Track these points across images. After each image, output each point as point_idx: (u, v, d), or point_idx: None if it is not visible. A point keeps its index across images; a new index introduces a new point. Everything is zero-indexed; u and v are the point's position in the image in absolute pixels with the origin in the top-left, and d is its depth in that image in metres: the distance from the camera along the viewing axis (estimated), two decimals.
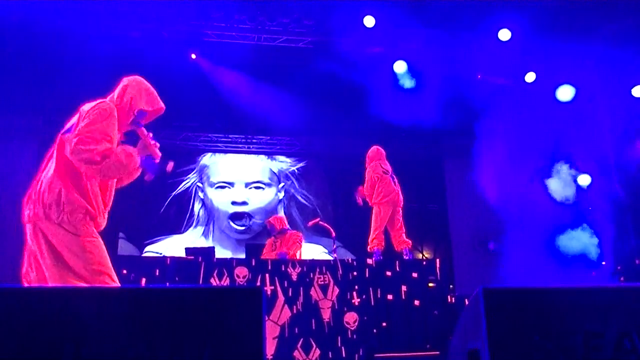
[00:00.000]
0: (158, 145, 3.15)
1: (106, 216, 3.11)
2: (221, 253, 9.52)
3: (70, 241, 2.85)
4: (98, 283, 2.83)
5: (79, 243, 2.85)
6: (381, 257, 6.56)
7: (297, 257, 6.58)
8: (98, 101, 3.00)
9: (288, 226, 7.23)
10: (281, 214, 10.56)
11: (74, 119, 3.03)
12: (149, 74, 8.70)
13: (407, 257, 6.71)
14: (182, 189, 10.71)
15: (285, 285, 5.48)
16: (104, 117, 2.89)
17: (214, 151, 11.00)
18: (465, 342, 1.79)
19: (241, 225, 10.62)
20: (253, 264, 5.57)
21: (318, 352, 5.29)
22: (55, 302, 1.58)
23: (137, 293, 1.74)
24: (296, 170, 11.21)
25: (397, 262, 5.98)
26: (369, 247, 6.74)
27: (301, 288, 5.49)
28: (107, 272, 2.88)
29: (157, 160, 3.13)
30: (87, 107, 3.00)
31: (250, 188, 10.94)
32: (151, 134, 3.14)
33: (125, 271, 5.36)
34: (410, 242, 6.90)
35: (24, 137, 9.42)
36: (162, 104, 3.21)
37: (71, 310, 1.57)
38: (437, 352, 5.35)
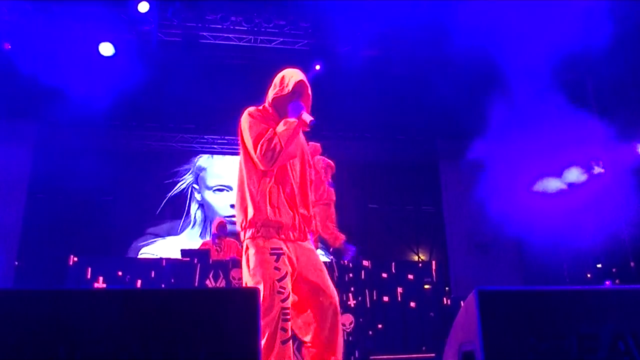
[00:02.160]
0: (312, 119, 2.97)
1: (288, 217, 2.90)
2: None
3: (242, 254, 2.93)
4: None
5: (245, 254, 2.88)
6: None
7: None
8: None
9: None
10: None
11: None
12: (146, 75, 8.72)
13: (349, 257, 6.58)
14: (178, 190, 10.69)
15: None
16: (248, 126, 2.96)
17: (210, 153, 10.99)
18: (460, 345, 1.79)
19: None
20: None
21: None
22: (49, 304, 1.58)
23: (133, 295, 1.73)
24: None
25: (393, 263, 5.98)
26: (339, 244, 6.62)
27: None
28: (272, 292, 2.72)
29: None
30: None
31: None
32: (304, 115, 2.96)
33: (120, 273, 5.36)
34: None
35: (20, 141, 9.40)
36: (295, 79, 3.03)
37: (66, 312, 1.56)
38: (433, 354, 5.36)
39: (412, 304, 5.72)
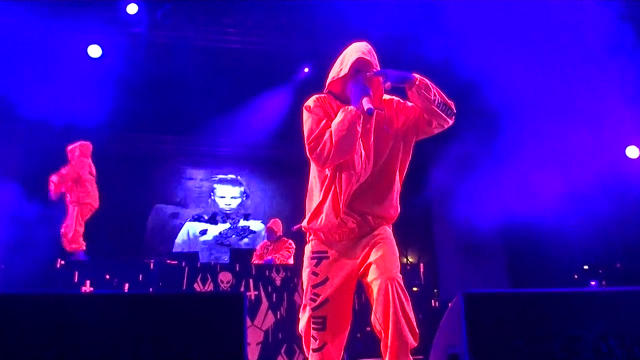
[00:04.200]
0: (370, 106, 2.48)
1: (334, 220, 2.56)
2: None
3: None
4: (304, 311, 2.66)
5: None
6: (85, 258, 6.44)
7: (288, 263, 6.50)
8: None
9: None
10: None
11: None
12: (136, 76, 8.62)
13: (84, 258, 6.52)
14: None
15: (269, 290, 5.48)
16: (303, 121, 2.59)
17: (196, 155, 10.93)
18: (445, 347, 1.80)
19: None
20: (237, 269, 5.55)
21: (302, 357, 5.28)
22: (37, 308, 1.58)
23: (120, 299, 1.73)
24: None
25: None
26: (73, 246, 6.56)
27: (285, 293, 5.49)
28: (307, 298, 2.64)
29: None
30: None
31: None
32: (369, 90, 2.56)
33: (108, 276, 5.33)
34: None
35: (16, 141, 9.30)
36: (354, 57, 2.56)
37: (54, 316, 1.57)
38: (421, 357, 5.36)
39: None
